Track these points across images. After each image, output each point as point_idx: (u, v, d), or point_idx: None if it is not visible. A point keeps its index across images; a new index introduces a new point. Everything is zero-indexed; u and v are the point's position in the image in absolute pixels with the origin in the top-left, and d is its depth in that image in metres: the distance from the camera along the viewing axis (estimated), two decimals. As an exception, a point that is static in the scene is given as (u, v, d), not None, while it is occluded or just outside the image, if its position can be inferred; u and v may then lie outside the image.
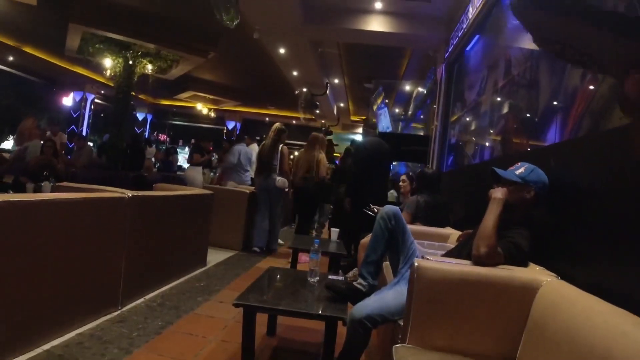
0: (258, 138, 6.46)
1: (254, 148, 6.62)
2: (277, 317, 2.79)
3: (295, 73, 9.72)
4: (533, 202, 1.87)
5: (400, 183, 4.63)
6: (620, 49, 0.65)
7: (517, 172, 1.91)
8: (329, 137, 7.60)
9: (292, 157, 12.53)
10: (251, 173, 6.42)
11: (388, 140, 5.07)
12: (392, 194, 6.07)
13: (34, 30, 9.43)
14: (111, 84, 10.07)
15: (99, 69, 10.03)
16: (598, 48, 0.70)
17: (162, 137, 18.73)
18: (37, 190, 5.37)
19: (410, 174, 4.62)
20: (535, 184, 1.87)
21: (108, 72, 9.40)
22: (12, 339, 2.01)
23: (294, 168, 5.88)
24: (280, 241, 5.88)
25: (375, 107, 10.21)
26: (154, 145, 12.52)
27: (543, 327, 1.42)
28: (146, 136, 16.94)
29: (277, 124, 5.64)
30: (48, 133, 8.24)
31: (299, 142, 12.91)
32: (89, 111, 14.25)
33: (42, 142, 6.64)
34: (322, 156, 5.52)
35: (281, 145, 5.48)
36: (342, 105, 13.75)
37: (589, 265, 1.60)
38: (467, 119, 4.98)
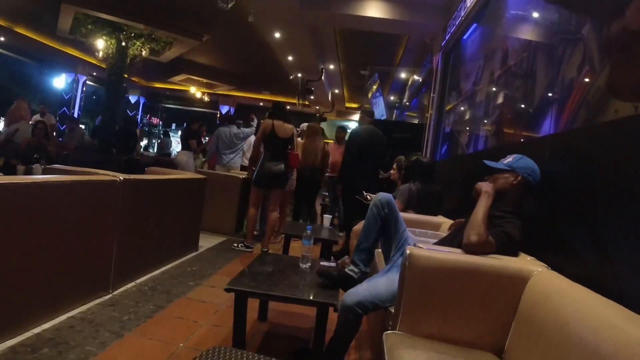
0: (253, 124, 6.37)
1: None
2: (269, 303, 2.80)
3: (290, 58, 9.63)
4: (523, 188, 1.91)
5: (391, 171, 4.68)
6: None
7: (505, 161, 1.99)
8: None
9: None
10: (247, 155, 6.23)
11: (380, 128, 5.05)
12: None
13: (25, 10, 9.22)
14: (103, 66, 9.90)
15: (91, 50, 9.86)
16: None
17: (155, 120, 18.53)
18: (28, 172, 5.33)
19: (401, 162, 4.64)
20: (522, 170, 1.92)
21: (100, 54, 9.25)
22: (1, 322, 2.00)
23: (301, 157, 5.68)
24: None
25: (370, 95, 10.15)
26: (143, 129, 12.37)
27: (533, 317, 1.43)
28: (139, 119, 16.75)
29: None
30: (36, 116, 8.13)
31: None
32: (81, 93, 14.03)
33: (32, 123, 6.57)
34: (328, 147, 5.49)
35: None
36: (337, 91, 13.66)
37: (580, 256, 1.61)
38: (462, 108, 4.97)
